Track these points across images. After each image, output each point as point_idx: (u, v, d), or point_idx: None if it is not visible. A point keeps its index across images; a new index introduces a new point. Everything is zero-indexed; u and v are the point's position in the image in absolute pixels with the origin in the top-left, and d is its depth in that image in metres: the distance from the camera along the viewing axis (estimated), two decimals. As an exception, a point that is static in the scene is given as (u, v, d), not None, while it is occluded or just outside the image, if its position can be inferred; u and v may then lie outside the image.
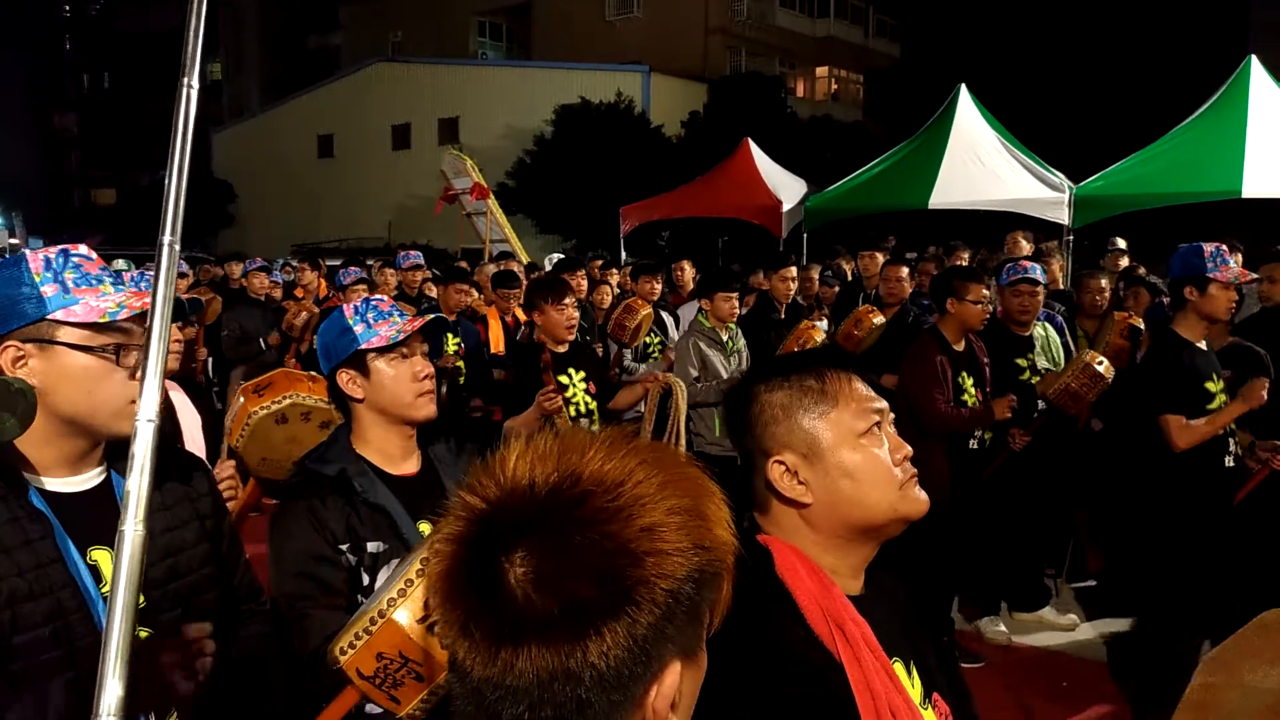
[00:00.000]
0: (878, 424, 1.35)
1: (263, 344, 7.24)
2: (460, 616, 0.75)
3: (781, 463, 1.34)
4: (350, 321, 2.05)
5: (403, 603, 1.47)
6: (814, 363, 1.38)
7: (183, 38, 1.23)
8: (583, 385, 4.19)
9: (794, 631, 1.25)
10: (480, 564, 0.75)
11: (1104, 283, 5.65)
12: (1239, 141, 8.41)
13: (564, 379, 4.13)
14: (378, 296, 2.16)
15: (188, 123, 1.21)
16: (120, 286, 1.58)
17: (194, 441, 3.14)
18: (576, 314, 4.29)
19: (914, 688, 1.33)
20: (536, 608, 0.72)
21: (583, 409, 4.15)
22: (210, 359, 7.34)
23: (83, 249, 1.59)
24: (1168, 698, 3.98)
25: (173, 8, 51.11)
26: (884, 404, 1.36)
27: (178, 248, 1.19)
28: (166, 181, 1.20)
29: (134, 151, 49.43)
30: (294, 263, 14.02)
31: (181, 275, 8.83)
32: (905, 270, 6.25)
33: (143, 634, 1.57)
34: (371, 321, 2.05)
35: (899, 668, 1.32)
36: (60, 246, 1.57)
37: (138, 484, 1.07)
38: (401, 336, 2.03)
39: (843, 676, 1.22)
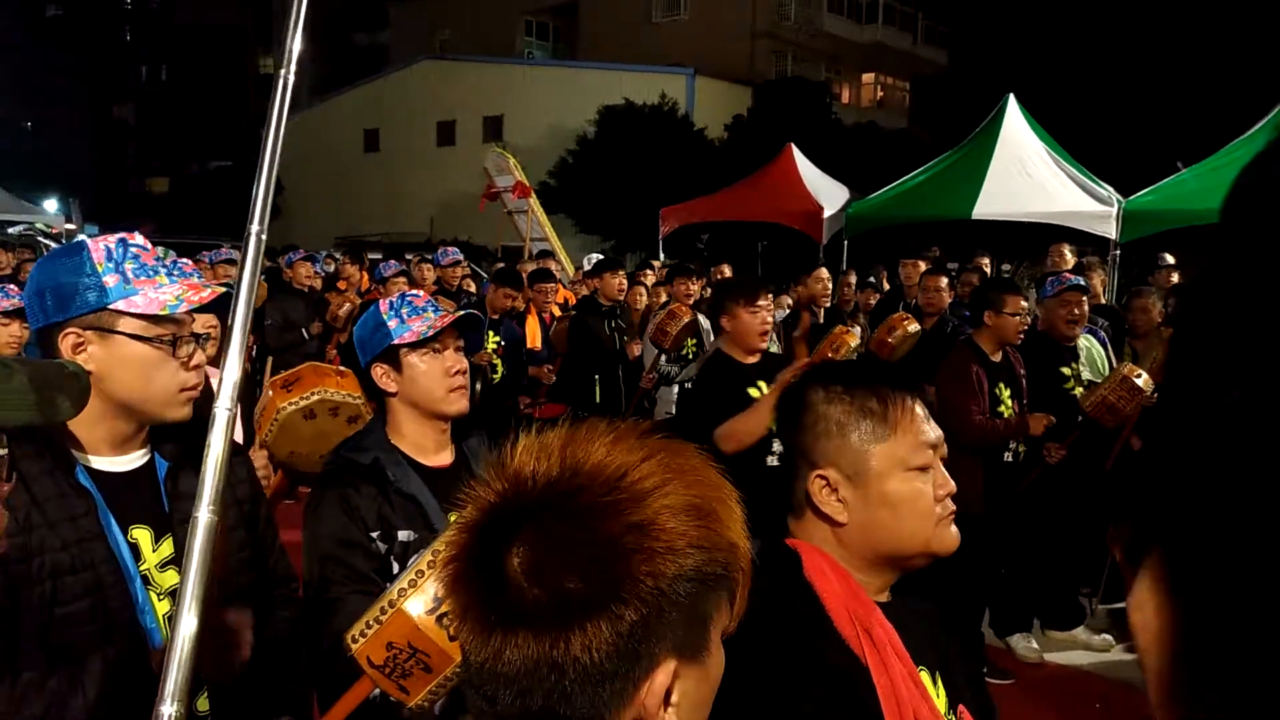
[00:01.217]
0: (930, 460, 1.33)
1: (305, 333, 7.34)
2: (463, 602, 0.78)
3: (824, 478, 1.33)
4: (385, 316, 2.08)
5: (413, 593, 1.48)
6: (878, 381, 1.35)
7: (282, 33, 1.26)
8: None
9: (821, 634, 1.25)
10: (485, 552, 0.77)
11: (1153, 300, 5.54)
12: (1295, 158, 8.22)
13: (754, 392, 3.60)
14: (413, 292, 2.19)
15: (282, 114, 1.23)
16: (174, 278, 1.62)
17: (234, 429, 3.19)
18: (772, 320, 3.78)
19: (939, 697, 1.33)
20: (527, 597, 0.74)
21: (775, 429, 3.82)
22: (255, 346, 7.45)
23: (139, 239, 1.64)
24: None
25: (227, 2, 52.11)
26: (939, 437, 1.35)
27: (264, 237, 1.22)
28: (258, 173, 1.22)
29: (187, 142, 50.33)
30: (336, 255, 14.19)
31: (230, 262, 9.00)
32: (944, 280, 6.19)
33: None
34: (405, 317, 2.07)
35: (925, 677, 1.31)
36: (119, 236, 1.62)
37: (214, 471, 1.10)
38: (432, 332, 2.05)
39: (868, 681, 1.22)
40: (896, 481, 1.31)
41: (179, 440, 1.69)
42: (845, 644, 1.25)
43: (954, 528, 1.35)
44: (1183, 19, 37.22)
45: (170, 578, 1.61)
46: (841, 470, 1.32)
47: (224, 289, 1.65)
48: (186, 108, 51.50)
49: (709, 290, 6.72)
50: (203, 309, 1.63)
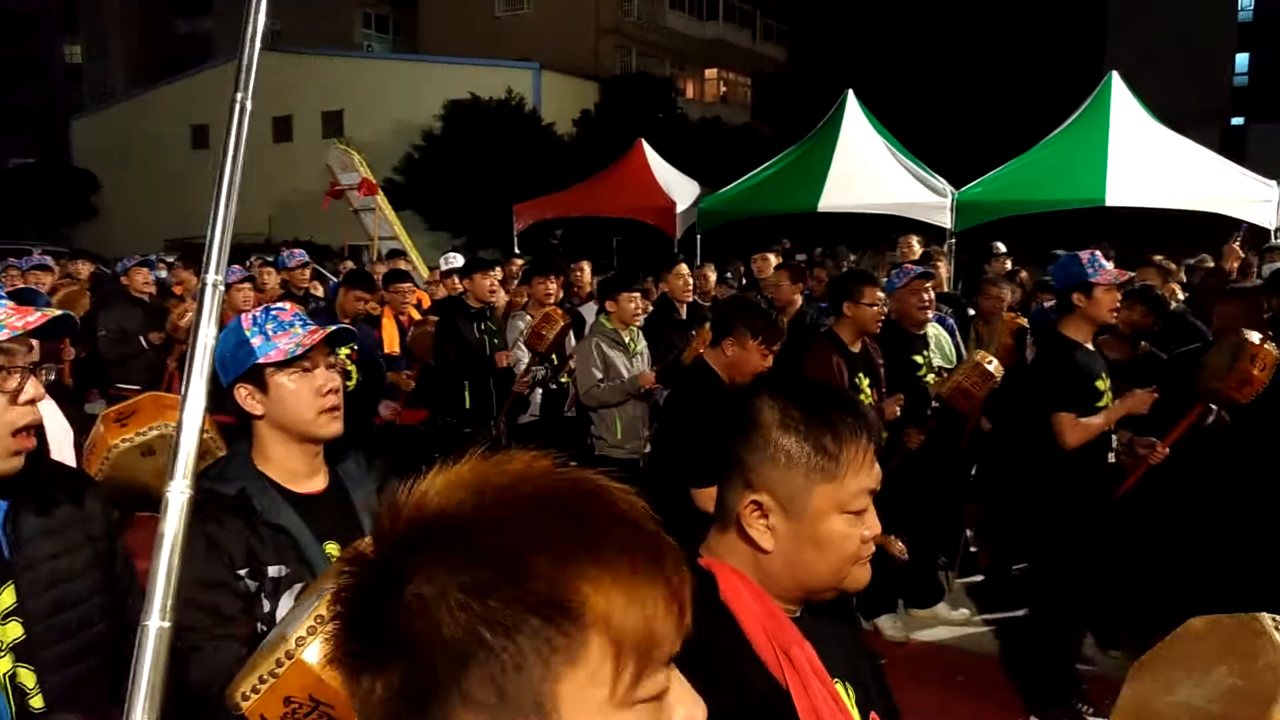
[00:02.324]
0: (867, 505, 1.31)
1: (144, 343, 6.83)
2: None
3: (758, 502, 1.29)
4: (248, 333, 1.91)
5: (312, 640, 1.37)
6: (837, 416, 1.30)
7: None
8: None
9: (740, 657, 1.23)
10: (373, 591, 0.70)
11: (1006, 289, 5.85)
12: (1102, 153, 8.93)
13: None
14: (279, 305, 2.02)
15: (239, 143, 1.08)
16: (1, 302, 1.45)
17: (61, 454, 2.90)
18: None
19: (853, 708, 1.33)
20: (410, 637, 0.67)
21: None
22: (80, 359, 6.90)
23: None
24: (1057, 686, 4.14)
25: (33, -13, 47.94)
26: (879, 478, 1.32)
27: (223, 288, 1.07)
28: (212, 210, 1.07)
29: (-10, 136, 46.09)
30: (168, 259, 13.33)
31: (44, 268, 8.28)
32: (787, 274, 6.45)
33: (27, 676, 1.46)
34: (270, 333, 1.91)
35: (840, 688, 1.31)
36: None
37: (164, 569, 0.95)
38: (301, 350, 1.89)
39: (789, 704, 1.20)
40: (830, 524, 1.28)
41: (19, 479, 1.52)
42: (764, 667, 1.22)
43: (866, 569, 1.34)
44: (1003, 22, 39.85)
45: (13, 630, 1.46)
46: (778, 499, 1.29)
47: (59, 313, 1.48)
48: (-10, 99, 47.16)
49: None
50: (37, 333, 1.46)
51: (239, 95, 1.06)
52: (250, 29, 1.08)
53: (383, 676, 0.66)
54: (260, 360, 1.89)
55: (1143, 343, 4.57)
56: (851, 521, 1.29)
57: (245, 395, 1.92)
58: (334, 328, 2.01)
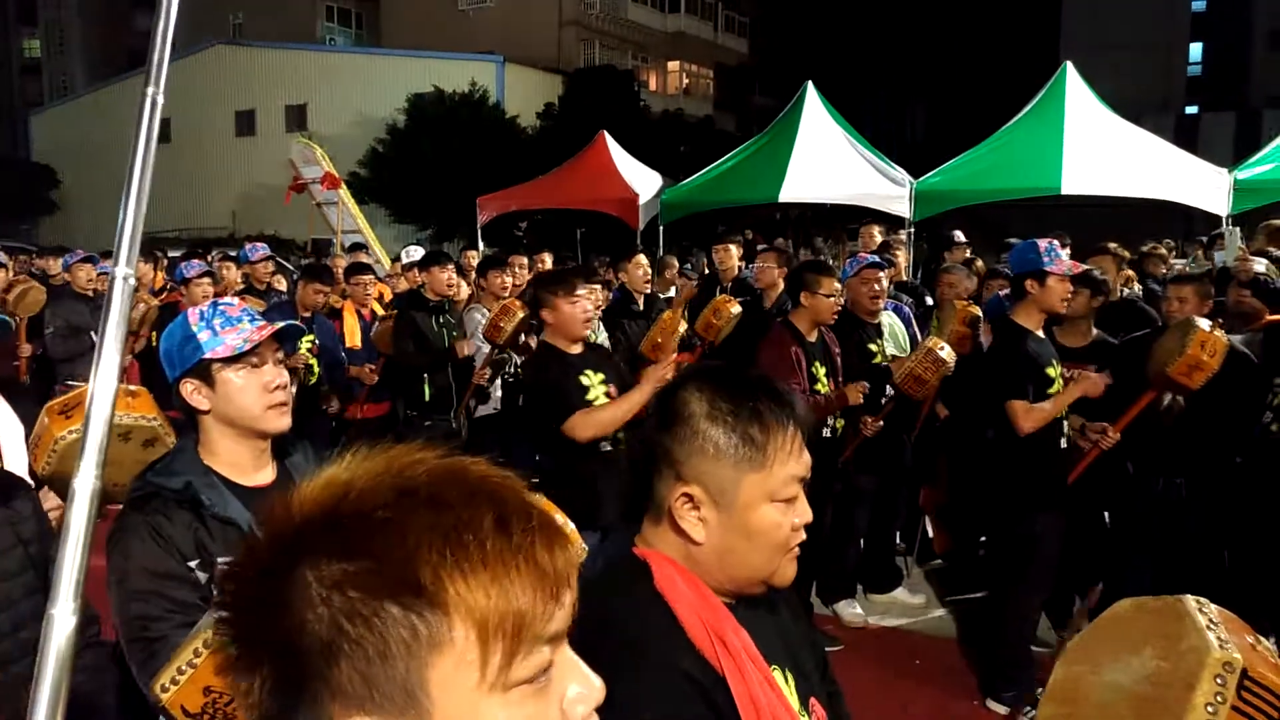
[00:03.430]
0: (797, 492, 1.32)
1: (93, 337, 6.72)
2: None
3: (689, 495, 1.29)
4: (195, 328, 1.91)
5: None
6: (763, 403, 1.30)
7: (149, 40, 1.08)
8: (604, 389, 3.78)
9: (674, 643, 1.24)
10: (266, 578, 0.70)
11: (961, 277, 5.88)
12: (1058, 142, 9.04)
13: (584, 379, 3.72)
14: (226, 300, 2.02)
15: (150, 138, 1.06)
16: None
17: (12, 451, 2.86)
18: (593, 307, 3.89)
19: (791, 695, 1.34)
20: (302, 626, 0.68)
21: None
22: (35, 356, 6.78)
23: None
24: (1013, 669, 4.21)
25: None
26: (809, 466, 1.33)
27: (133, 282, 1.06)
28: (122, 207, 1.05)
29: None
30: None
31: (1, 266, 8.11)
32: (734, 248, 6.56)
33: None
34: (218, 329, 1.91)
35: (777, 675, 1.32)
36: None
37: (73, 553, 0.94)
38: (248, 347, 1.90)
39: (725, 690, 1.22)
40: (759, 513, 1.29)
41: None
42: (699, 653, 1.23)
43: (793, 565, 1.34)
44: (960, 14, 40.17)
45: None
46: (708, 491, 1.29)
47: None
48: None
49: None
50: None
51: (150, 89, 1.05)
52: (161, 23, 1.07)
53: (256, 676, 0.66)
54: (207, 356, 1.89)
55: (1094, 329, 4.64)
56: (782, 510, 1.30)
57: (191, 390, 1.92)
58: (282, 324, 2.01)
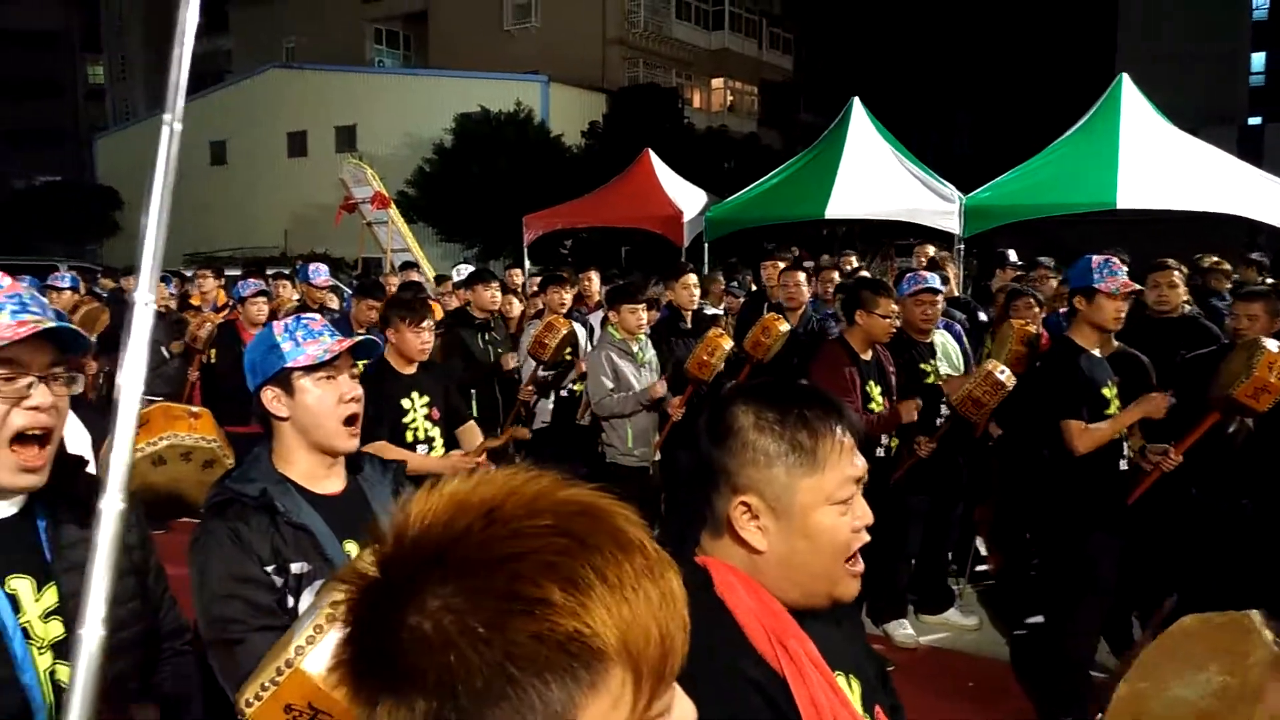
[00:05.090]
0: (854, 493, 1.33)
1: (165, 352, 6.92)
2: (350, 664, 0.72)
3: (746, 504, 1.32)
4: (279, 339, 2.03)
5: (311, 649, 1.38)
6: (809, 411, 1.33)
7: (167, 66, 1.11)
8: (424, 411, 4.03)
9: (735, 648, 1.25)
10: (380, 611, 0.70)
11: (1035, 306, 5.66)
12: (1113, 155, 8.87)
13: (406, 403, 3.99)
14: (309, 315, 2.14)
15: (170, 166, 1.09)
16: (19, 314, 1.48)
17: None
18: (431, 339, 4.17)
19: (856, 701, 1.35)
20: (419, 662, 0.67)
21: (421, 436, 4.01)
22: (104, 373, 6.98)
23: None
24: (1070, 694, 4.09)
25: (50, 6, 48.64)
26: (864, 468, 1.35)
27: (154, 308, 1.09)
28: (142, 232, 1.09)
29: (8, 156, 46.76)
30: (185, 273, 13.53)
31: (55, 289, 8.36)
32: (802, 275, 6.42)
33: (65, 672, 1.50)
34: (300, 340, 2.03)
35: (841, 681, 1.33)
36: None
37: (100, 572, 0.97)
38: (328, 356, 2.01)
39: (787, 693, 1.23)
40: (819, 515, 1.31)
41: (59, 490, 1.57)
42: (761, 658, 1.25)
43: (856, 581, 1.36)
44: (1011, 25, 39.78)
45: (54, 628, 1.52)
46: (765, 499, 1.31)
47: (54, 324, 1.51)
48: (8, 120, 47.87)
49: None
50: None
51: (167, 117, 1.07)
52: (178, 52, 1.09)
53: (402, 707, 0.66)
54: (289, 364, 2.00)
55: (1115, 341, 4.51)
56: (840, 511, 1.32)
57: (271, 398, 2.03)
58: (360, 338, 2.13)
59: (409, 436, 3.94)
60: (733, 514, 1.32)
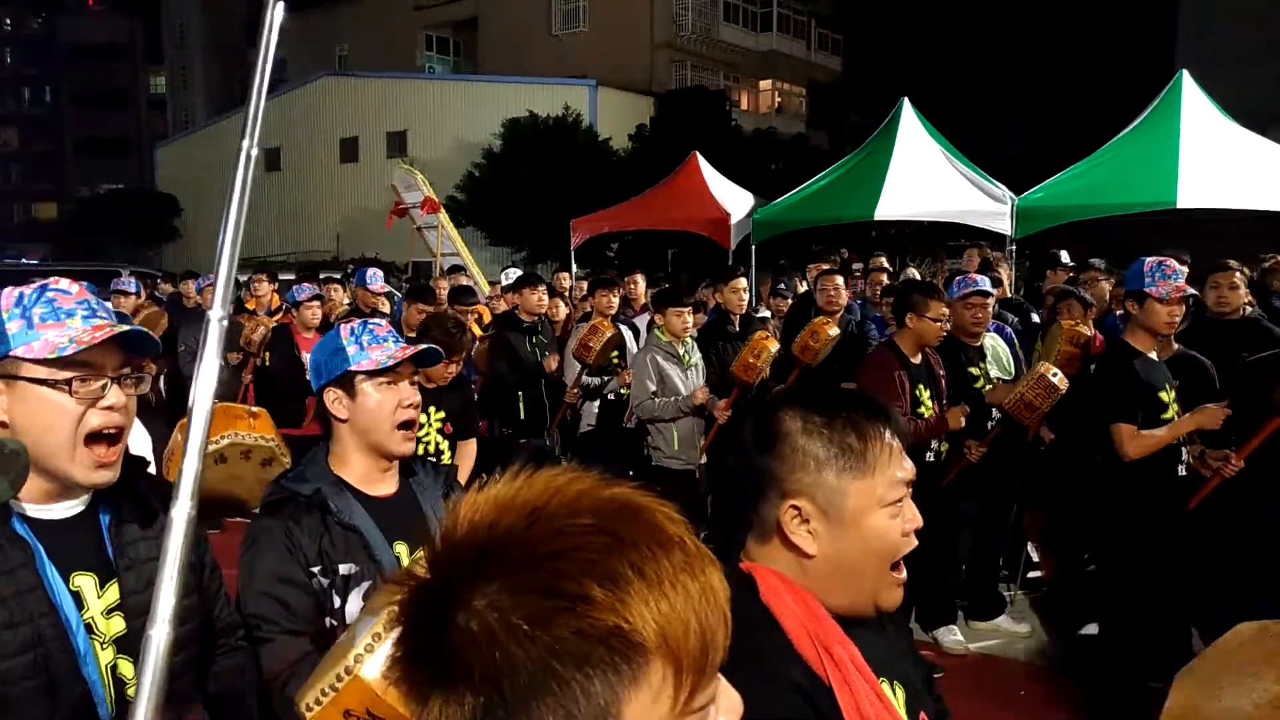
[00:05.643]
0: (904, 495, 1.33)
1: (223, 361, 7.10)
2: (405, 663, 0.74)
3: (797, 508, 1.32)
4: (345, 341, 2.08)
5: (369, 656, 1.41)
6: (856, 414, 1.33)
7: (247, 96, 1.14)
8: (438, 425, 4.13)
9: (780, 654, 1.25)
10: (432, 610, 0.72)
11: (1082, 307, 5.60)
12: (1173, 153, 8.65)
13: (421, 416, 4.07)
14: (375, 320, 2.18)
15: (245, 190, 1.12)
16: (89, 319, 1.53)
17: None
18: (457, 370, 4.30)
19: (900, 708, 1.34)
20: (469, 658, 0.69)
21: (431, 449, 4.10)
22: (163, 375, 7.20)
23: (63, 284, 1.56)
24: (1120, 702, 4.00)
25: (116, 20, 50.21)
26: (912, 472, 1.35)
27: (226, 323, 1.13)
28: (219, 250, 1.12)
29: (75, 165, 48.38)
30: (240, 277, 13.81)
31: (122, 293, 8.61)
32: (840, 279, 6.37)
33: (127, 667, 1.55)
34: (365, 344, 2.07)
35: (886, 688, 1.32)
36: (40, 283, 1.55)
37: (170, 575, 1.00)
38: (392, 362, 2.05)
39: (832, 699, 1.23)
40: (870, 517, 1.31)
41: (122, 490, 1.62)
42: (806, 664, 1.24)
43: (901, 589, 1.36)
44: (1061, 27, 39.04)
45: (116, 624, 1.56)
46: (816, 503, 1.31)
47: (128, 328, 1.56)
48: (73, 130, 49.54)
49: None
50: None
51: (245, 143, 1.10)
52: (258, 79, 1.12)
53: (452, 702, 0.68)
54: (353, 367, 2.04)
55: (1175, 344, 4.40)
56: (891, 514, 1.32)
57: (334, 399, 2.07)
58: (424, 346, 2.16)
59: (419, 449, 4.03)
60: (783, 518, 1.32)
